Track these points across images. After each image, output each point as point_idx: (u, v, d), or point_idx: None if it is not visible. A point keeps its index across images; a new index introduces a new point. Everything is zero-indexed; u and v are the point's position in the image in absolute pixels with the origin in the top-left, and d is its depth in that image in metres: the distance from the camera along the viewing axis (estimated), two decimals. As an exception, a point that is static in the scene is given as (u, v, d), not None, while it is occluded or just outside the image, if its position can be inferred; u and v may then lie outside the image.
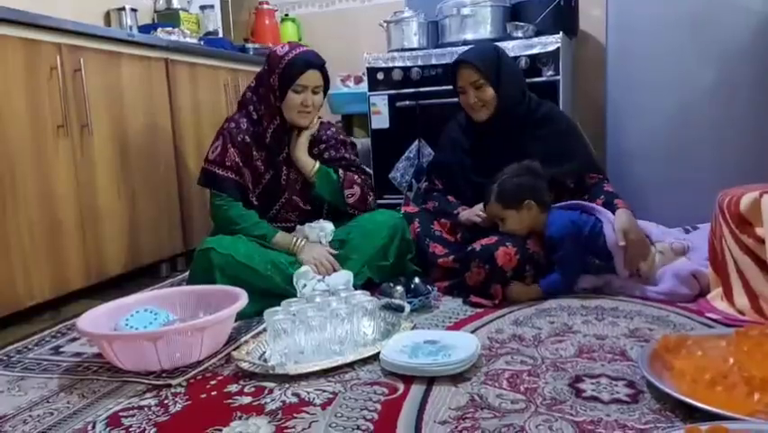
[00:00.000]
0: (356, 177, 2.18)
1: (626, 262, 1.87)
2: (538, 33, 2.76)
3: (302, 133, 2.11)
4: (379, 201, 2.96)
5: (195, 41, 2.78)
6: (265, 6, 3.53)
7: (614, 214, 1.92)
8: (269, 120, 2.06)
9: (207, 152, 2.09)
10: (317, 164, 2.12)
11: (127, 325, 1.57)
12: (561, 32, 2.70)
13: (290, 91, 2.02)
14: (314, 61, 2.04)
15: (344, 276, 1.90)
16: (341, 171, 2.15)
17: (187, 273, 2.20)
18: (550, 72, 2.66)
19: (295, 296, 1.80)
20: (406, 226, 2.12)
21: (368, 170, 2.38)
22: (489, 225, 2.02)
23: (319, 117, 2.20)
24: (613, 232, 1.87)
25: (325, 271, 1.95)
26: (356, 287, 1.86)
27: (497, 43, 2.36)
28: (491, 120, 2.14)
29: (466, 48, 2.35)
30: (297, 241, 2.02)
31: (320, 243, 2.04)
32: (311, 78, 2.03)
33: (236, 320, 1.69)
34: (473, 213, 2.09)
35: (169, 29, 2.70)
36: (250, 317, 1.80)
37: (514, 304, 1.82)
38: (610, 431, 1.08)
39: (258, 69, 3.06)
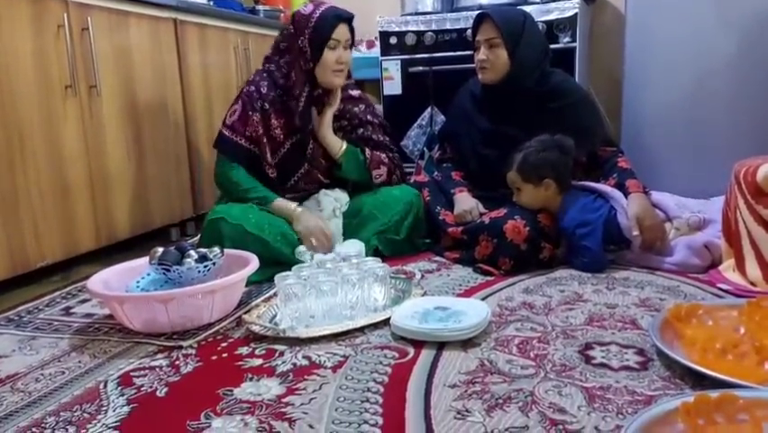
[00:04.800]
0: (383, 156, 2.14)
1: (642, 245, 1.84)
2: (555, -2, 2.71)
3: (325, 111, 2.04)
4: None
5: (204, 1, 2.74)
6: (275, -32, 3.47)
7: (626, 197, 1.89)
8: (301, 87, 1.98)
9: (225, 115, 2.03)
10: (344, 145, 2.08)
11: (138, 287, 1.58)
12: (578, -2, 2.64)
13: (326, 49, 1.95)
14: (343, 14, 1.99)
15: (356, 246, 1.90)
16: (368, 152, 2.11)
17: (196, 238, 2.21)
18: (567, 39, 2.62)
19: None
20: (421, 205, 2.11)
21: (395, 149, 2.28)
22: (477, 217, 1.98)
23: (354, 88, 2.16)
24: (627, 220, 1.83)
25: (321, 246, 1.90)
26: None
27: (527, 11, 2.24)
28: (499, 88, 2.09)
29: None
30: (295, 208, 1.96)
31: (334, 213, 2.02)
32: (343, 31, 1.98)
33: (246, 286, 1.69)
34: (466, 210, 2.02)
35: (178, -11, 2.66)
36: (260, 283, 1.81)
37: (523, 273, 1.81)
38: (620, 397, 1.08)
39: (268, 32, 3.07)
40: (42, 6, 1.90)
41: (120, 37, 2.20)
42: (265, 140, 1.99)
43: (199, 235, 1.97)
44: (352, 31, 2.03)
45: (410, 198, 2.08)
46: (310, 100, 2.02)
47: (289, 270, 1.60)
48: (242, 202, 1.94)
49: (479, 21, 2.07)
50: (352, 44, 2.06)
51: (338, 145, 2.07)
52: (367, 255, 1.87)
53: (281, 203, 1.97)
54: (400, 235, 2.05)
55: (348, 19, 2.00)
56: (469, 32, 2.28)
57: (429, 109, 2.84)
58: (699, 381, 1.11)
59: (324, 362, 1.28)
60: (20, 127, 1.84)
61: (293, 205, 1.97)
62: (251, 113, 1.98)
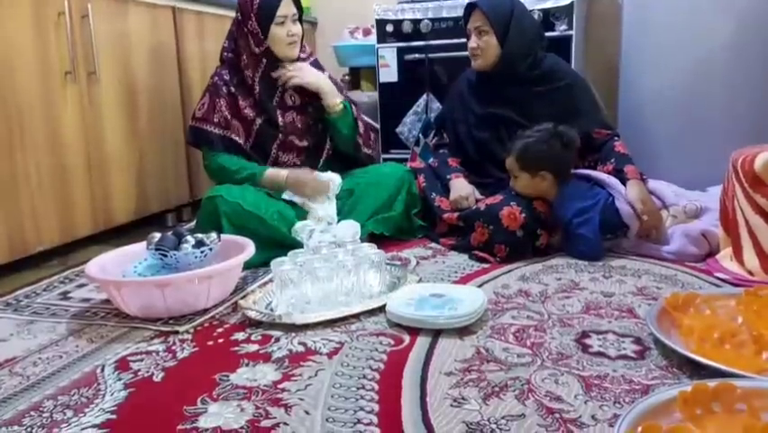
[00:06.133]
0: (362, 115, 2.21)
1: (640, 232, 1.84)
2: (552, -14, 2.69)
3: (288, 67, 2.07)
4: (386, 156, 2.94)
5: (202, -12, 2.72)
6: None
7: (623, 183, 1.88)
8: (254, 70, 2.05)
9: (194, 110, 2.07)
10: (341, 97, 2.13)
11: (135, 272, 1.57)
12: (575, -15, 2.63)
13: (273, 26, 2.01)
14: None
15: (352, 226, 1.90)
16: (353, 107, 2.17)
17: (192, 224, 2.20)
18: (563, 27, 2.60)
19: (301, 247, 1.80)
20: (413, 180, 2.13)
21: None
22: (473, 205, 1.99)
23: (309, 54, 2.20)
24: (626, 205, 1.83)
25: (314, 189, 1.98)
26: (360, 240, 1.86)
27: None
28: (492, 73, 2.12)
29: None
30: (284, 173, 2.01)
31: (327, 195, 2.02)
32: (288, 6, 2.03)
33: (243, 270, 1.69)
34: (462, 196, 2.04)
35: (176, -25, 2.64)
36: (256, 267, 1.80)
37: (519, 261, 1.81)
38: (617, 386, 1.08)
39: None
40: (43, -7, 1.89)
41: (119, 24, 2.20)
42: (236, 121, 2.04)
43: (196, 218, 1.98)
44: (297, 4, 2.07)
45: (401, 174, 2.11)
46: (267, 76, 2.06)
47: (287, 251, 1.61)
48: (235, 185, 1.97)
49: (469, 10, 2.12)
50: (300, 17, 2.10)
51: (335, 92, 2.12)
52: (362, 241, 1.87)
53: (271, 172, 2.02)
54: (395, 210, 2.06)
55: None
56: (464, 20, 2.29)
57: (425, 96, 2.83)
58: (697, 370, 1.11)
59: (320, 348, 1.28)
60: (20, 112, 1.84)
61: (282, 171, 2.02)
62: (217, 100, 2.03)
